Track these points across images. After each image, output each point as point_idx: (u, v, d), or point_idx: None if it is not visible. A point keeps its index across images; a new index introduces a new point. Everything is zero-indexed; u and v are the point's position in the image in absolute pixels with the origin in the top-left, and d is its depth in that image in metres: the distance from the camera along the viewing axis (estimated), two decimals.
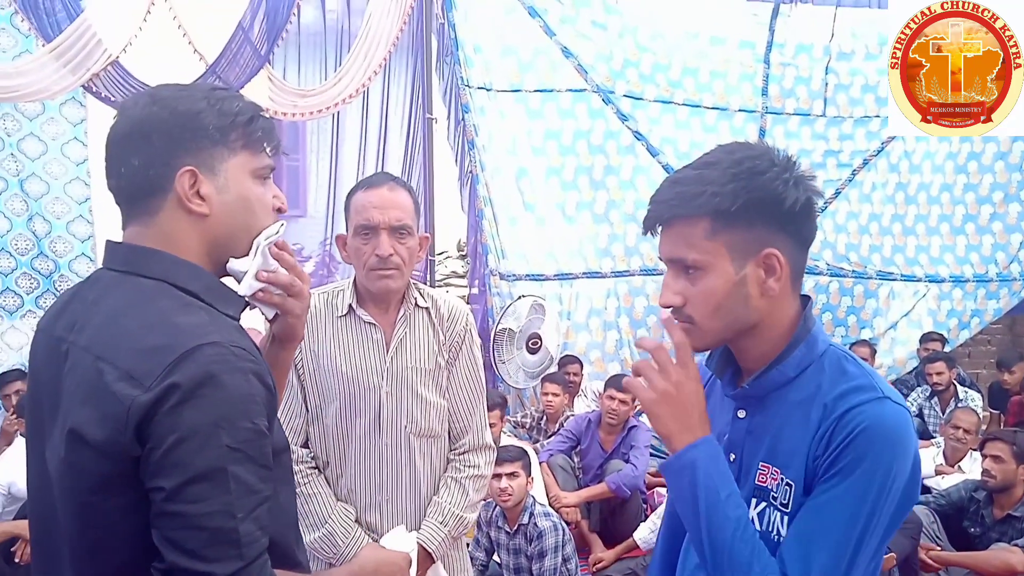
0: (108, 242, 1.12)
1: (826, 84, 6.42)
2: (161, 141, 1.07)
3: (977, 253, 7.01)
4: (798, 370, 1.20)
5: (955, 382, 5.74)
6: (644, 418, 5.97)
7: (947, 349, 6.49)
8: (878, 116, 6.48)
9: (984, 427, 5.57)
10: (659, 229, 1.22)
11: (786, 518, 1.17)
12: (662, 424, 1.17)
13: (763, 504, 1.21)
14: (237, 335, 1.04)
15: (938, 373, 5.62)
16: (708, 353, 1.35)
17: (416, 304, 1.97)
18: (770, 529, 1.19)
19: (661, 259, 1.24)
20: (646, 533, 4.02)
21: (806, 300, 1.25)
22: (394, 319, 1.95)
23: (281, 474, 1.11)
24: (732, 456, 1.27)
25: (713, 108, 6.27)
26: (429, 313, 1.98)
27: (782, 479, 1.19)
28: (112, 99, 4.77)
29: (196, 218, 1.09)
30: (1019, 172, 6.94)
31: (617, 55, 6.04)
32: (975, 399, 5.71)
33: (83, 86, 4.81)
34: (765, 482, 1.21)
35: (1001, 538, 3.60)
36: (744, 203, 1.13)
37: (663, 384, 1.16)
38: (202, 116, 1.08)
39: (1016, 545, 3.43)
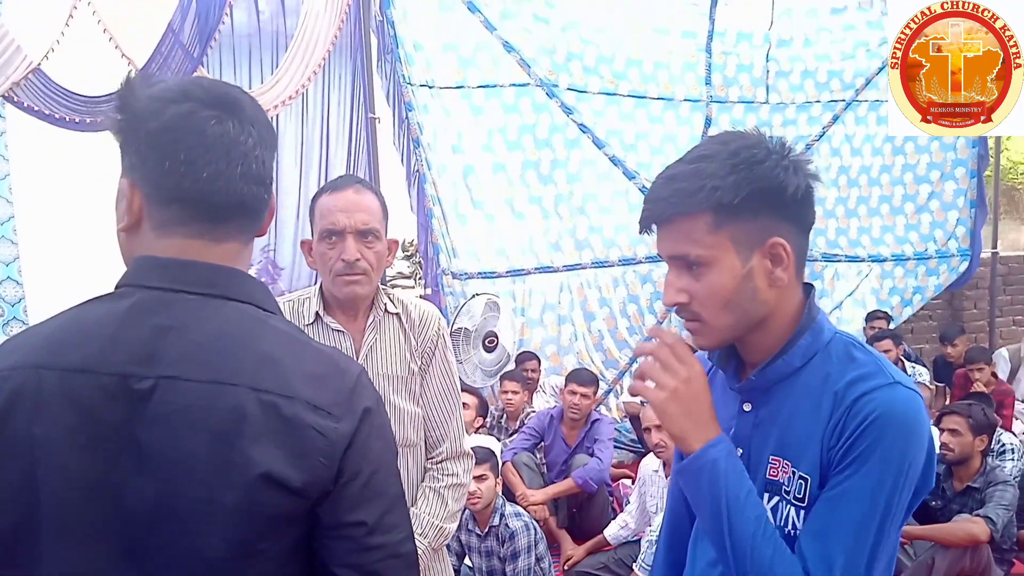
0: (173, 261, 0.94)
1: (767, 71, 6.50)
2: (272, 155, 1.03)
3: (916, 232, 7.21)
4: (804, 359, 1.17)
5: (902, 358, 5.88)
6: (603, 409, 6.00)
7: (891, 326, 6.64)
8: (819, 101, 6.60)
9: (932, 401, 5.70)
10: (654, 227, 1.17)
11: (802, 512, 1.14)
12: (675, 423, 1.13)
13: (775, 499, 1.18)
14: None
15: (885, 351, 5.73)
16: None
17: (386, 310, 1.89)
18: (784, 524, 1.16)
19: (660, 256, 1.19)
20: (616, 530, 4.00)
21: (809, 288, 1.22)
22: (363, 326, 1.87)
23: None
24: (740, 451, 1.24)
25: (658, 99, 6.29)
26: (400, 319, 1.90)
27: (794, 472, 1.16)
28: (35, 109, 4.53)
29: (258, 236, 1.05)
30: (953, 151, 7.15)
31: (560, 48, 6.00)
32: (923, 374, 5.86)
33: (2, 96, 4.55)
34: (776, 476, 1.18)
35: (962, 509, 3.67)
36: (747, 195, 1.09)
37: (672, 382, 1.13)
38: None
39: (977, 515, 3.50)
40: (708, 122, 6.33)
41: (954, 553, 3.45)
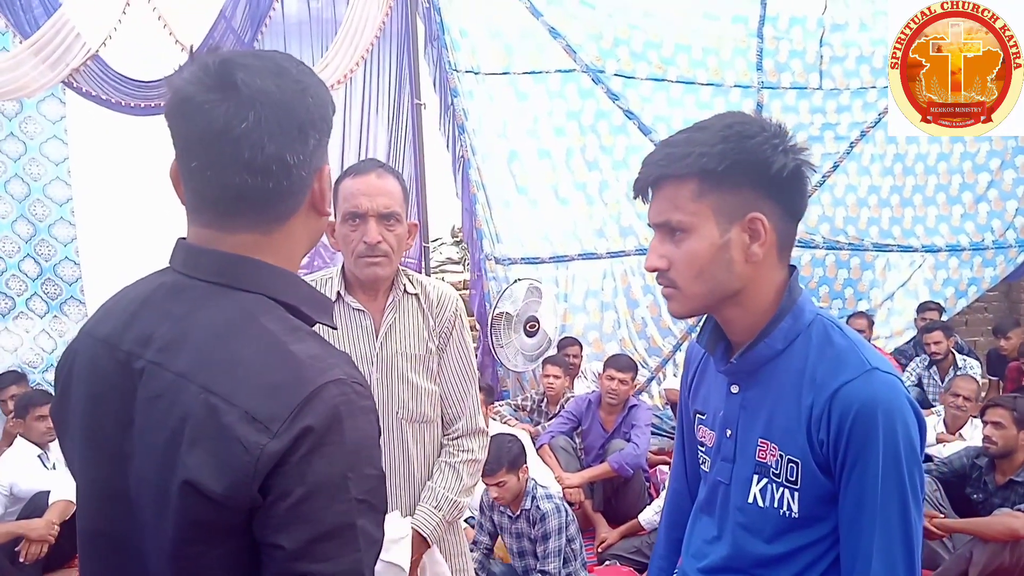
0: (192, 247, 0.94)
1: (821, 56, 6.36)
2: (313, 138, 0.92)
3: (973, 222, 6.99)
4: (786, 342, 1.20)
5: (953, 350, 5.74)
6: (644, 396, 5.99)
7: (944, 318, 6.48)
8: (874, 87, 6.44)
9: (983, 394, 5.56)
10: (651, 196, 1.22)
11: (797, 494, 1.17)
12: None
13: (764, 480, 1.21)
14: (351, 367, 0.92)
15: (936, 342, 5.62)
16: (698, 330, 1.34)
17: (405, 290, 1.95)
18: (779, 505, 1.19)
19: (650, 225, 1.23)
20: (651, 515, 4.02)
21: (792, 270, 1.24)
22: (383, 306, 1.93)
23: None
24: (728, 432, 1.27)
25: (708, 84, 6.21)
26: (418, 299, 1.96)
27: (781, 456, 1.19)
28: (93, 94, 4.71)
29: (318, 218, 0.98)
30: (1015, 139, 6.90)
31: (607, 34, 5.98)
32: (974, 367, 5.71)
33: (63, 82, 4.74)
34: (764, 458, 1.21)
35: (1004, 503, 3.59)
36: (731, 164, 1.13)
37: None
38: (329, 107, 0.96)
39: (1019, 510, 3.42)
40: (759, 108, 6.23)
41: (993, 548, 3.38)
